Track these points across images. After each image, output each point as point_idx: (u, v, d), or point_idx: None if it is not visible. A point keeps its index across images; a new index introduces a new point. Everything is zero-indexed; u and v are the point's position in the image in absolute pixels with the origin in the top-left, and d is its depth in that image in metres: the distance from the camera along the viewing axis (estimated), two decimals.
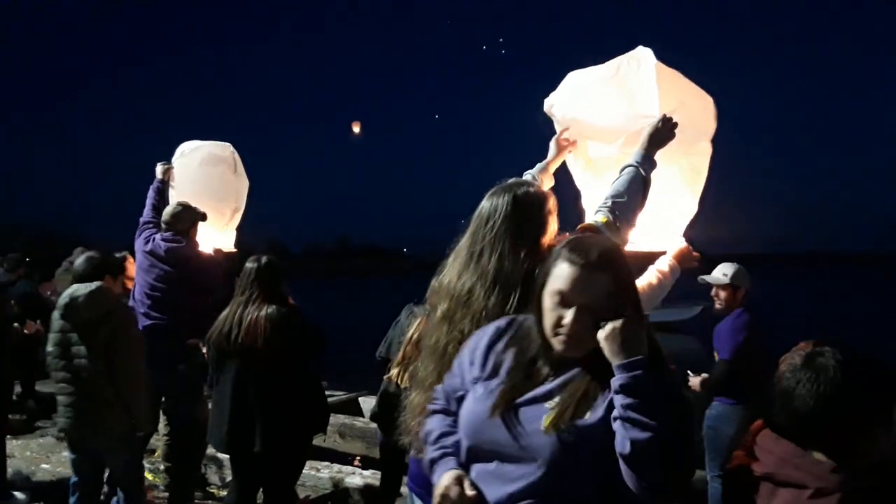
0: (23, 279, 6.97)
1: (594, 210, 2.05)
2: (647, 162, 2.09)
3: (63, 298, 3.35)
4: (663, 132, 2.15)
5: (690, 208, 2.49)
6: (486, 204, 1.86)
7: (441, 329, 1.80)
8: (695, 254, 2.45)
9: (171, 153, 4.63)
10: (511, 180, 1.92)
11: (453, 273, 1.84)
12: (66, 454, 5.37)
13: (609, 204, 2.00)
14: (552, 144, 2.54)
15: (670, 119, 2.16)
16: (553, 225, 1.86)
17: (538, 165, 2.51)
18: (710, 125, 2.45)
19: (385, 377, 3.48)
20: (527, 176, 2.45)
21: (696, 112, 2.40)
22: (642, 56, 2.35)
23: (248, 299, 3.18)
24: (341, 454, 5.27)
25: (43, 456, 5.53)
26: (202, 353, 4.01)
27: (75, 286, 3.36)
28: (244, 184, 4.54)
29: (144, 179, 4.58)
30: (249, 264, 3.27)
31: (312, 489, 4.84)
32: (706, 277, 4.15)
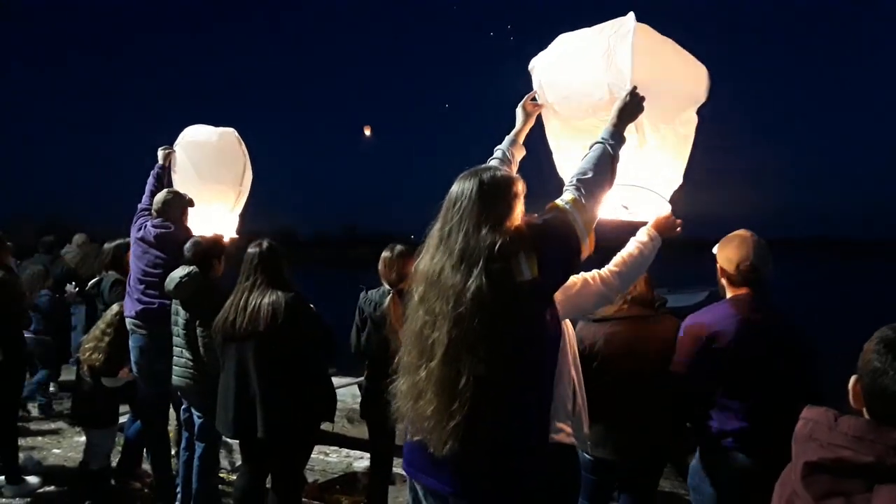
0: (58, 260, 7.41)
1: (567, 179, 2.07)
2: (615, 138, 2.08)
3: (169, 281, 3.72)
4: (631, 106, 2.13)
5: (676, 178, 2.44)
6: (454, 188, 1.93)
7: (418, 312, 1.88)
8: (677, 220, 2.44)
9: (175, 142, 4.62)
10: (480, 166, 1.99)
11: (427, 256, 1.93)
12: (77, 439, 5.45)
13: (575, 182, 2.01)
14: (518, 111, 2.56)
15: (638, 93, 2.14)
16: (519, 207, 1.92)
17: (507, 138, 2.53)
18: (699, 94, 2.41)
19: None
20: (496, 153, 2.50)
21: (686, 80, 2.37)
22: (625, 21, 2.29)
23: (253, 285, 3.17)
24: (350, 439, 5.28)
25: (54, 441, 5.57)
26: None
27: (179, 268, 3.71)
28: (248, 168, 4.52)
29: (144, 168, 4.58)
30: (251, 249, 3.26)
31: (321, 473, 4.86)
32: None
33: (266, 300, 3.10)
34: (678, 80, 2.33)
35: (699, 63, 2.40)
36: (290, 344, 3.11)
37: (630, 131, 2.19)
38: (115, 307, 4.12)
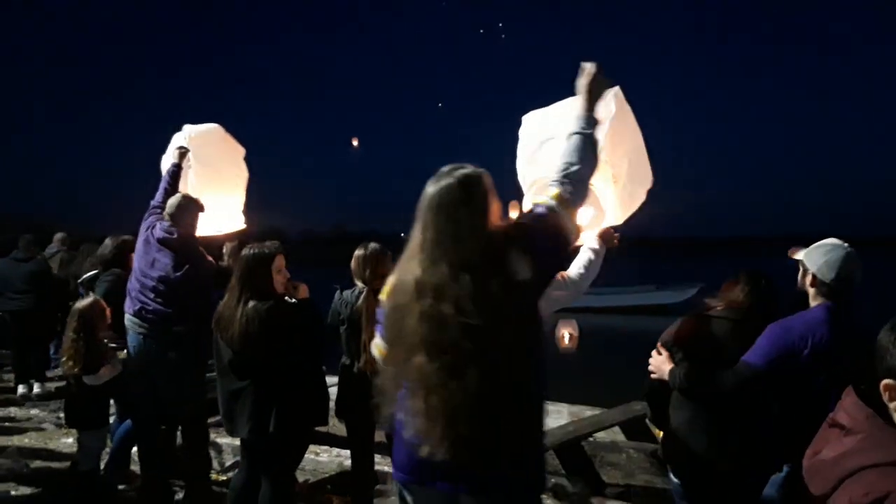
0: (35, 259, 7.21)
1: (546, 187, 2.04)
2: (589, 123, 2.03)
3: None
4: (593, 83, 2.06)
5: (616, 217, 2.71)
6: (430, 191, 1.88)
7: (426, 325, 1.81)
8: (616, 234, 2.67)
9: (160, 145, 4.67)
10: (447, 167, 1.93)
11: (413, 265, 1.86)
12: (65, 440, 5.41)
13: (560, 177, 1.96)
14: None
15: (595, 70, 2.06)
16: (496, 200, 1.90)
17: None
18: (648, 176, 2.71)
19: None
20: None
21: (641, 158, 2.69)
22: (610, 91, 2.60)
23: (235, 291, 3.18)
24: (341, 438, 5.27)
25: (41, 442, 5.51)
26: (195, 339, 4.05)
27: None
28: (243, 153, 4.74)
29: (127, 170, 4.65)
30: (244, 252, 3.27)
31: (312, 473, 4.84)
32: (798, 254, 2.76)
33: (240, 312, 3.09)
34: (638, 153, 2.67)
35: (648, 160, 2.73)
36: (263, 354, 3.11)
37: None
38: (74, 307, 4.07)
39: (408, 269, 1.88)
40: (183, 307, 3.96)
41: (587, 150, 1.99)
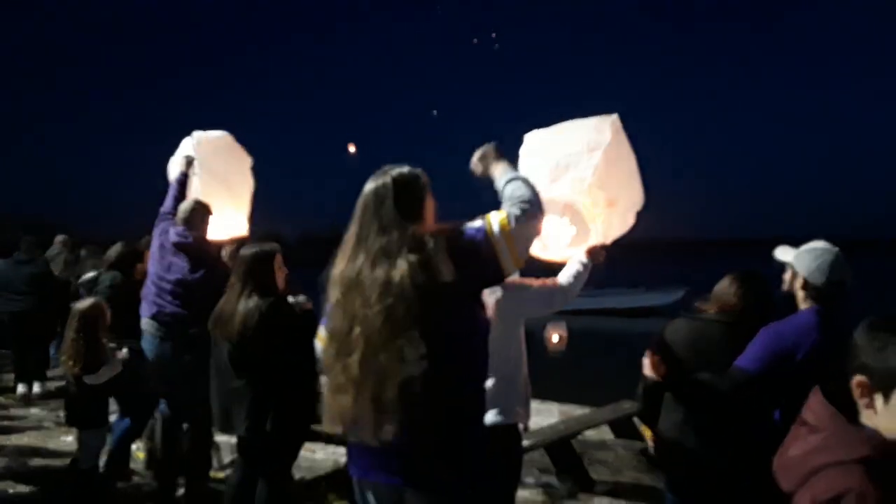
0: (36, 261, 7.22)
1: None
2: (510, 170, 2.15)
3: None
4: (485, 157, 2.24)
5: (606, 237, 2.99)
6: (367, 191, 1.99)
7: (337, 315, 1.93)
8: (602, 250, 2.97)
9: (164, 149, 4.74)
10: (386, 166, 2.03)
11: (344, 260, 1.97)
12: (64, 439, 5.47)
13: (510, 203, 1.99)
14: None
15: (479, 153, 2.26)
16: (430, 199, 2.01)
17: None
18: (638, 200, 2.96)
19: None
20: None
21: (632, 185, 2.94)
22: (607, 120, 2.84)
23: (237, 289, 3.24)
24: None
25: (41, 441, 5.57)
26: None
27: None
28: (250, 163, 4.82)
29: (129, 174, 4.71)
30: (244, 251, 3.33)
31: (308, 471, 4.89)
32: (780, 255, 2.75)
33: (241, 307, 3.15)
34: (630, 178, 2.95)
35: (641, 185, 2.99)
36: (262, 350, 3.15)
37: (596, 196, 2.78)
38: (75, 308, 4.13)
39: (336, 262, 2.00)
40: (200, 309, 3.92)
41: (525, 187, 2.04)
